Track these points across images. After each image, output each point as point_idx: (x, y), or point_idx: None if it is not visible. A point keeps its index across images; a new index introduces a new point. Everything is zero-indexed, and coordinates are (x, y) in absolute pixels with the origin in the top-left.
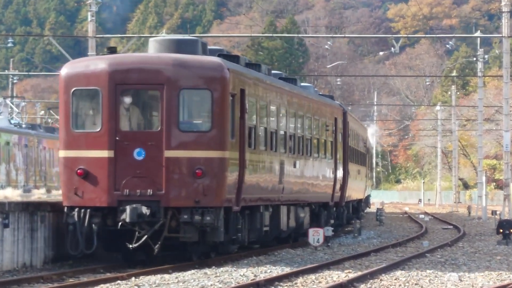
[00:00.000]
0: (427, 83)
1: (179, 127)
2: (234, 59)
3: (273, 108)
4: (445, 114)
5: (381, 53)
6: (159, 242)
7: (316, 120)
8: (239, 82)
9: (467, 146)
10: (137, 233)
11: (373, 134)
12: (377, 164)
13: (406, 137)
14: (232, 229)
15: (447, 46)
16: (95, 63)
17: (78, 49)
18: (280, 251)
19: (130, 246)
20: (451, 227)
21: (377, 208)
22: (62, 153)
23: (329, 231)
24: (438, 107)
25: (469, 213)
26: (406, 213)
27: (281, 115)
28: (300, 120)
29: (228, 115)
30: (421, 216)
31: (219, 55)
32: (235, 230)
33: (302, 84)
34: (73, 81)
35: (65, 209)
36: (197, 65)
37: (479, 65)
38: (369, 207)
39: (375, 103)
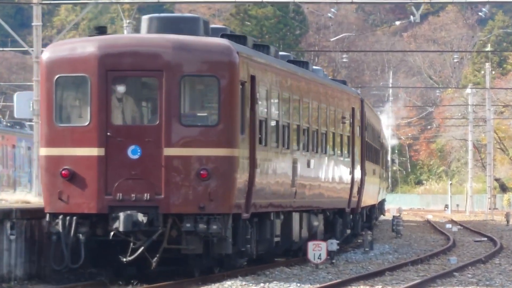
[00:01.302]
0: (455, 60)
1: (180, 120)
2: (241, 40)
3: (285, 97)
4: (477, 98)
5: (397, 22)
6: (158, 255)
7: (332, 111)
8: (249, 68)
9: (505, 138)
10: (132, 244)
11: (388, 125)
12: (393, 161)
13: (429, 127)
14: (241, 239)
15: (480, 14)
16: (83, 46)
17: (20, 19)
18: (272, 270)
19: (124, 259)
20: (485, 239)
21: (393, 216)
22: (44, 151)
23: (334, 244)
24: (468, 90)
25: (508, 221)
26: (429, 222)
27: (294, 105)
28: (314, 112)
29: (238, 106)
30: (448, 225)
31: (222, 36)
32: (244, 241)
33: (314, 67)
34: (56, 67)
35: (47, 217)
36: (202, 48)
37: None
38: (384, 215)
39: (391, 85)
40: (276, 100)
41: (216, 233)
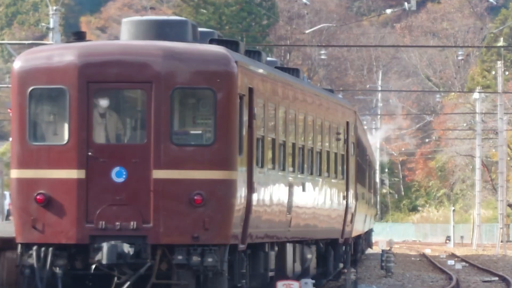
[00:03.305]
0: (460, 58)
1: (171, 139)
2: (232, 46)
3: (282, 112)
4: (487, 105)
5: (388, 11)
6: None
7: (327, 126)
8: (247, 79)
9: None
10: (116, 279)
11: (377, 138)
12: (382, 182)
13: (428, 140)
14: (237, 274)
15: (491, 0)
16: (60, 54)
17: None
18: None
19: None
20: (496, 279)
21: (383, 250)
22: (15, 173)
23: (309, 285)
24: (476, 95)
25: None
26: (426, 257)
27: (290, 121)
28: (309, 127)
29: (236, 122)
30: (450, 262)
31: (211, 41)
32: (240, 276)
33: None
34: (30, 78)
35: (19, 248)
36: (196, 57)
37: None
38: (371, 248)
39: (380, 89)
40: (273, 116)
41: (211, 267)
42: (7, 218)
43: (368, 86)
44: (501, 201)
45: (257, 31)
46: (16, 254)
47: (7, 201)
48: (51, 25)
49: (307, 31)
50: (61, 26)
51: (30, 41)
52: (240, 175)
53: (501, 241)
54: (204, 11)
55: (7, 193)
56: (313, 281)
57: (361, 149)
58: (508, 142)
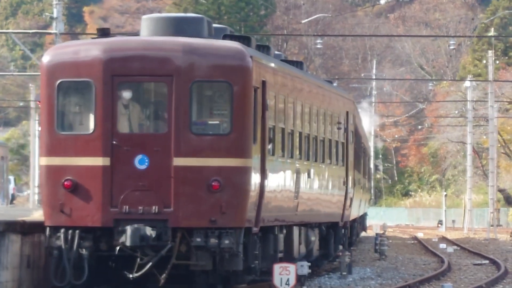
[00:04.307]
0: (452, 48)
1: (191, 129)
2: (245, 41)
3: (290, 103)
4: (478, 93)
5: (382, 1)
6: (166, 271)
7: (329, 116)
8: (260, 72)
9: (511, 141)
10: (138, 260)
11: (371, 125)
12: (376, 168)
13: (420, 127)
14: (251, 255)
15: None
16: (87, 49)
17: None
18: None
19: (130, 275)
20: (487, 262)
21: (376, 234)
22: (44, 161)
23: (305, 268)
24: (467, 83)
25: None
26: (419, 240)
27: (297, 111)
28: (314, 117)
29: (251, 113)
30: (442, 245)
31: (224, 36)
32: (253, 257)
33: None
34: (58, 72)
35: (47, 230)
36: (213, 52)
37: None
38: (365, 231)
39: (374, 77)
40: (282, 106)
41: (228, 249)
42: (11, 202)
43: (362, 74)
44: (491, 186)
45: (254, 21)
46: (44, 236)
47: (11, 186)
48: (55, 15)
49: (303, 21)
50: (65, 16)
51: (34, 31)
52: (254, 162)
53: (491, 225)
54: (203, 1)
55: (11, 177)
56: (309, 263)
57: (357, 137)
58: (498, 129)
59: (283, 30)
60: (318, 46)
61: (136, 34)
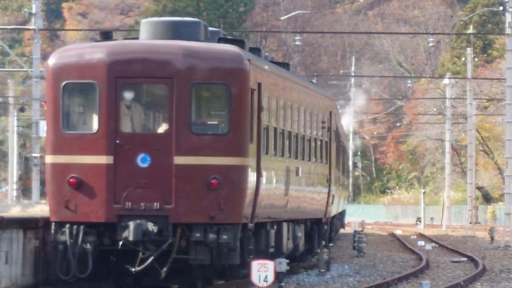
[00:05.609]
0: (430, 45)
1: (191, 129)
2: (239, 44)
3: (281, 103)
4: (456, 90)
5: None
6: (167, 265)
7: (315, 116)
8: (256, 75)
9: (490, 138)
10: (140, 254)
11: (349, 122)
12: (355, 165)
13: (399, 124)
14: (246, 250)
15: None
16: (90, 52)
17: None
18: None
19: (133, 269)
20: (465, 259)
21: (355, 231)
22: (50, 159)
23: (283, 264)
24: (446, 81)
25: (492, 238)
26: (397, 237)
27: (287, 111)
28: (302, 116)
29: (248, 114)
30: (420, 243)
31: (219, 40)
32: (248, 252)
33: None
34: (64, 73)
35: (53, 226)
36: (212, 55)
37: (508, 17)
38: (344, 228)
39: (353, 74)
40: (275, 107)
41: (226, 243)
42: None
43: (341, 71)
44: (470, 183)
45: (234, 18)
46: (50, 232)
47: None
48: (34, 11)
49: (282, 18)
50: (43, 11)
51: (12, 26)
52: (251, 161)
53: (470, 223)
54: None
55: None
56: (287, 260)
57: (338, 135)
58: (477, 126)
59: (262, 27)
60: (297, 43)
61: (136, 37)
